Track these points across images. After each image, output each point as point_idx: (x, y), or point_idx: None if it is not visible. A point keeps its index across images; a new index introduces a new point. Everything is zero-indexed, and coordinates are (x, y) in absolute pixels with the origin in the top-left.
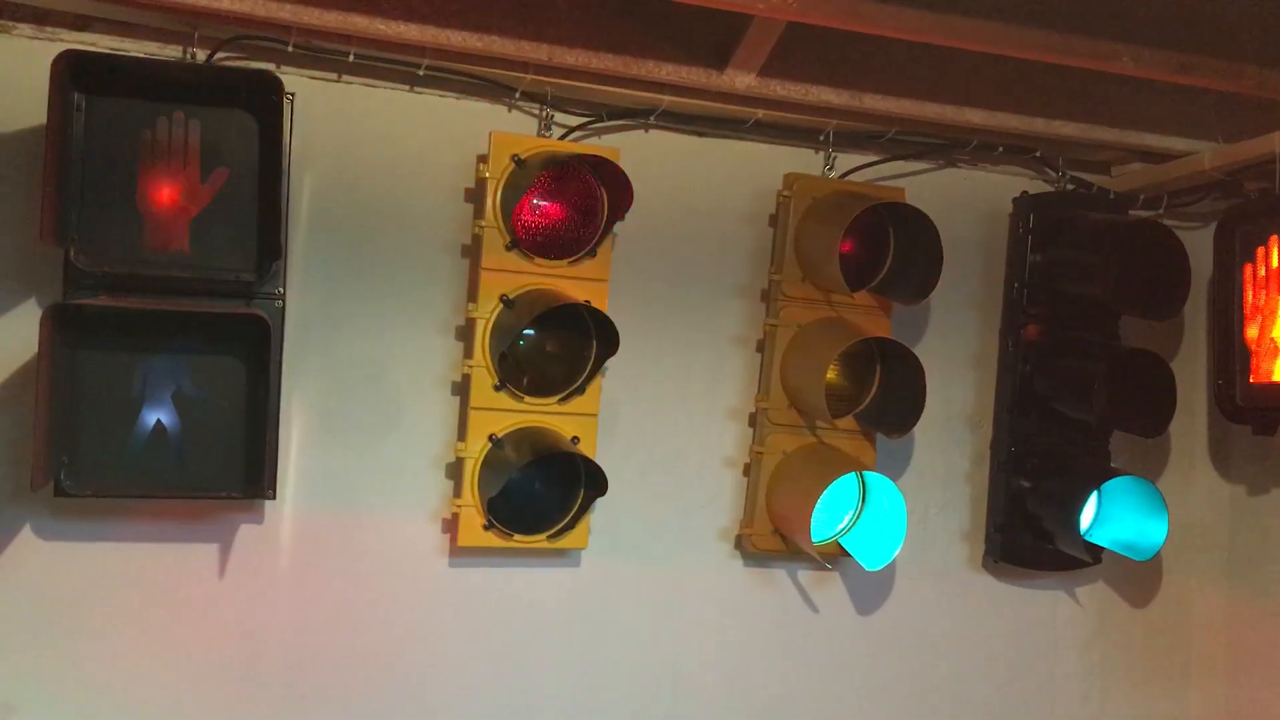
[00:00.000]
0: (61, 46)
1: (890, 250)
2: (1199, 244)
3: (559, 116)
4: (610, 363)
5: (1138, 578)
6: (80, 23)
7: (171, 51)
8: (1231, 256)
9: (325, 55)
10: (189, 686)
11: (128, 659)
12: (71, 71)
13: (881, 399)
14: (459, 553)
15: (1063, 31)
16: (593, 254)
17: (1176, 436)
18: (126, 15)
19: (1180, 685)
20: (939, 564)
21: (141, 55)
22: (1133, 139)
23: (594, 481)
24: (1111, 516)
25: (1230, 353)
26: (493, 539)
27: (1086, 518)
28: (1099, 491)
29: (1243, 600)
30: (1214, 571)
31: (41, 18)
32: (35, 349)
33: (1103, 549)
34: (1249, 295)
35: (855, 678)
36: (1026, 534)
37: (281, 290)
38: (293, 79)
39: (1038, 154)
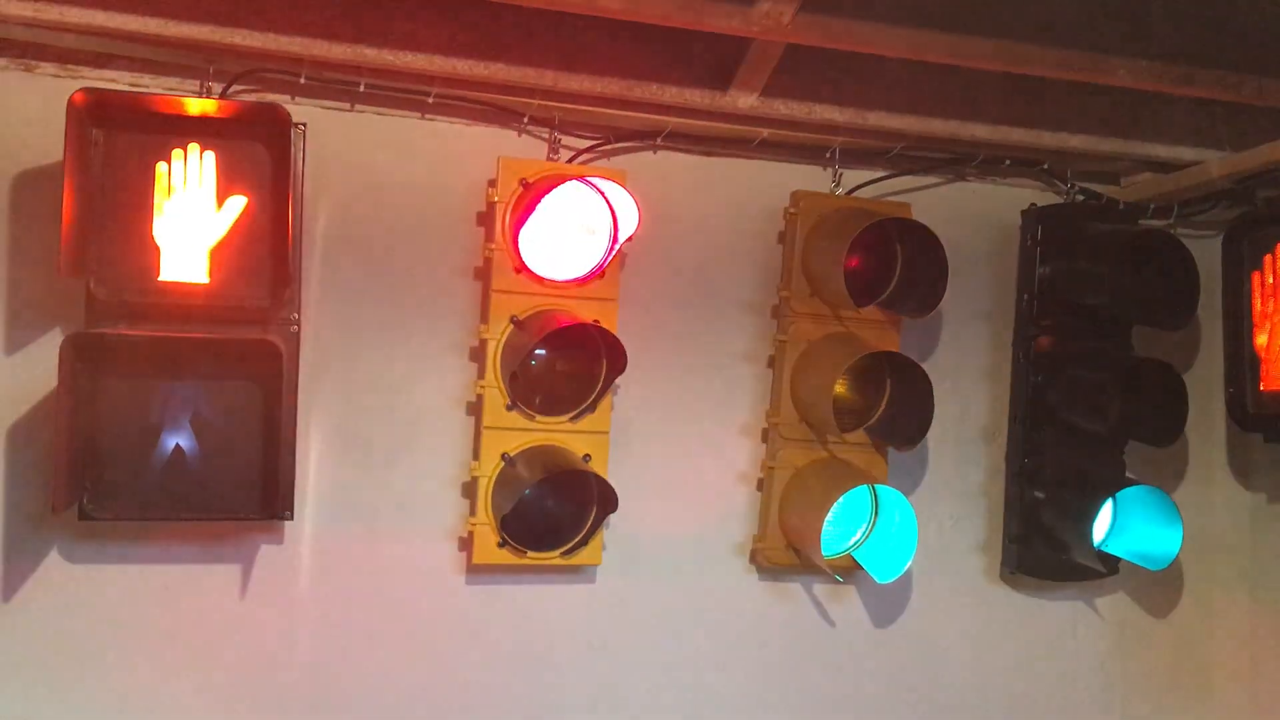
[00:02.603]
0: (83, 83)
1: (898, 265)
2: (1212, 253)
3: (568, 140)
4: (622, 381)
5: (1158, 589)
6: (101, 60)
7: (189, 86)
8: (1240, 265)
9: (337, 86)
10: (212, 705)
11: (151, 678)
12: (88, 108)
13: (892, 413)
14: (475, 570)
15: (1056, 45)
16: (601, 275)
17: (1195, 446)
18: (145, 53)
19: (1202, 697)
20: (955, 576)
21: (158, 91)
22: (1140, 149)
23: (606, 499)
24: (1127, 527)
25: (1240, 361)
26: (507, 556)
27: (1101, 528)
28: (1114, 502)
29: (1265, 611)
30: (1235, 582)
31: (64, 56)
32: None
33: (1118, 559)
34: (1257, 303)
35: (873, 690)
36: (1042, 545)
37: (296, 316)
38: (306, 109)
39: (1045, 166)
